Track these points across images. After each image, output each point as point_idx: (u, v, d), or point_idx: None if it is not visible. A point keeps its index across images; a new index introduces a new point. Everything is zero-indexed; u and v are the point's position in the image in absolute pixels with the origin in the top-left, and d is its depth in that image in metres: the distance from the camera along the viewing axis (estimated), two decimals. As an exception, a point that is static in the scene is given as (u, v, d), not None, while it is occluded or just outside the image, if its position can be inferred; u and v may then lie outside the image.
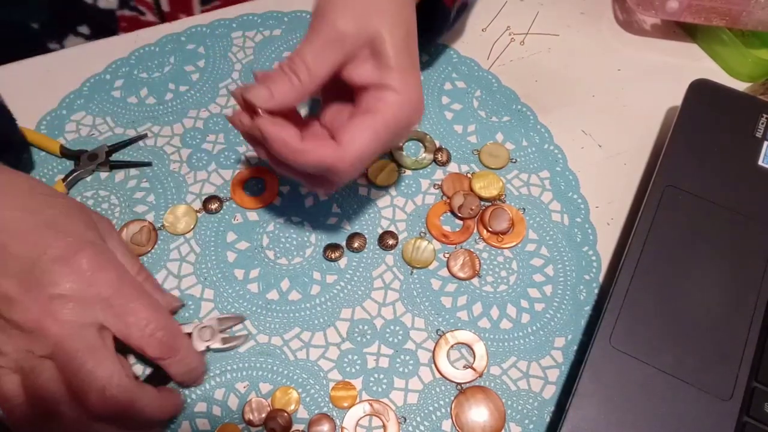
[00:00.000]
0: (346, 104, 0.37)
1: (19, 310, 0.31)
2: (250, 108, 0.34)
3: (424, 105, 0.36)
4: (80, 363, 0.31)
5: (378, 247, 0.43)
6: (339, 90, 0.37)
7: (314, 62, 0.34)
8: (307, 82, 0.34)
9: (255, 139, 0.36)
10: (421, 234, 0.44)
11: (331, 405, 0.38)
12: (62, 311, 0.31)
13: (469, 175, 0.46)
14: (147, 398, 0.33)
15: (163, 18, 0.54)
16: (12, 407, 0.31)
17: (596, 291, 0.43)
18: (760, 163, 0.43)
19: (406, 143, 0.48)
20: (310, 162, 0.34)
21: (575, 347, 0.41)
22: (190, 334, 0.39)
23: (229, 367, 0.39)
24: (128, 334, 0.33)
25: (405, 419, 0.38)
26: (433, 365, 0.40)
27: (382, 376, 0.39)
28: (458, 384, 0.39)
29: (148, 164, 0.45)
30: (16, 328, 0.31)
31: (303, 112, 0.48)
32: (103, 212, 0.43)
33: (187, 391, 0.38)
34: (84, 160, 0.44)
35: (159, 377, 0.37)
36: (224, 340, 0.39)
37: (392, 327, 0.41)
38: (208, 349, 0.39)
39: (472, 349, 0.40)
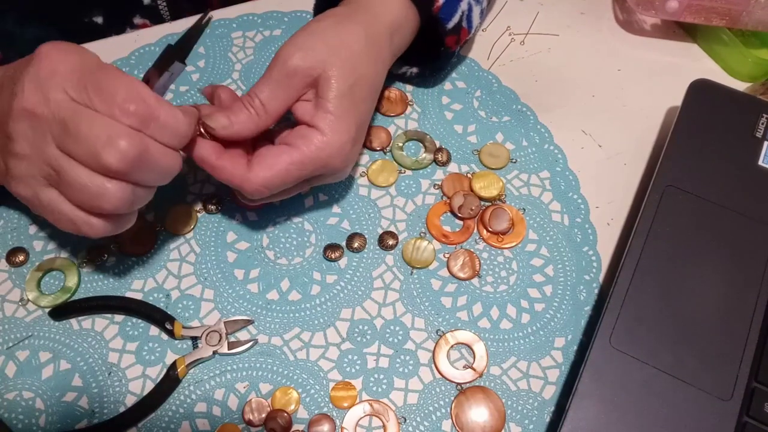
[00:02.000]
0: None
1: (12, 114, 0.31)
2: (205, 128, 0.37)
3: (348, 153, 0.38)
4: (77, 129, 0.30)
5: (378, 247, 0.43)
6: None
7: (268, 99, 0.37)
8: (262, 115, 0.37)
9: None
10: (421, 234, 0.44)
11: (331, 405, 0.38)
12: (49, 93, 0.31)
13: (469, 175, 0.46)
14: (164, 109, 0.32)
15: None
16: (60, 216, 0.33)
17: (596, 291, 0.43)
18: (760, 163, 0.43)
19: (406, 143, 0.48)
20: (221, 178, 0.37)
21: (575, 347, 0.41)
22: (197, 338, 0.39)
23: (229, 367, 0.39)
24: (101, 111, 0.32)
25: (405, 419, 0.38)
26: (433, 365, 0.40)
27: (382, 376, 0.39)
28: (458, 384, 0.39)
29: None
30: (25, 118, 0.31)
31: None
32: (103, 212, 0.43)
33: (187, 392, 0.38)
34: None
35: None
36: (231, 345, 0.39)
37: (392, 327, 0.41)
38: (215, 353, 0.39)
39: (472, 350, 0.40)
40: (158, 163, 0.32)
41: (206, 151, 0.37)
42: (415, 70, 0.49)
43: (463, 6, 0.44)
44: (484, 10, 0.49)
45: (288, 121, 0.39)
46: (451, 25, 0.44)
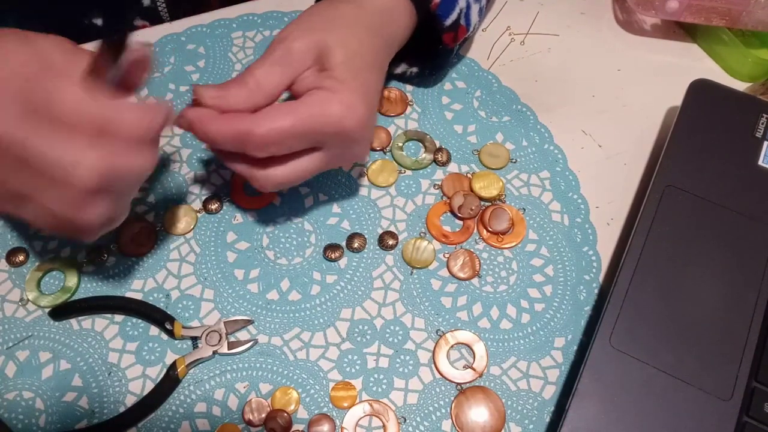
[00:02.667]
0: None
1: None
2: (195, 102, 0.36)
3: (362, 115, 0.36)
4: (36, 160, 0.28)
5: (378, 247, 0.43)
6: None
7: (263, 74, 0.36)
8: (256, 91, 0.35)
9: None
10: (421, 234, 0.44)
11: (331, 405, 0.38)
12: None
13: (469, 175, 0.46)
14: (119, 113, 0.30)
15: None
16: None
17: (596, 291, 0.43)
18: (760, 163, 0.43)
19: (406, 143, 0.48)
20: (227, 132, 0.34)
21: (575, 347, 0.41)
22: (197, 338, 0.39)
23: (229, 367, 0.39)
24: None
25: (405, 419, 0.38)
26: (433, 365, 0.40)
27: (382, 376, 0.39)
28: (458, 384, 0.39)
29: None
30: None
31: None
32: (103, 212, 0.43)
33: (187, 392, 0.38)
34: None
35: None
36: (231, 345, 0.39)
37: (392, 327, 0.41)
38: (215, 353, 0.39)
39: (472, 350, 0.40)
40: (131, 168, 0.30)
41: (198, 113, 0.35)
42: (414, 69, 0.49)
43: (461, 3, 0.44)
44: (483, 9, 0.49)
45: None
46: (448, 22, 0.44)
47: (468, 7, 0.45)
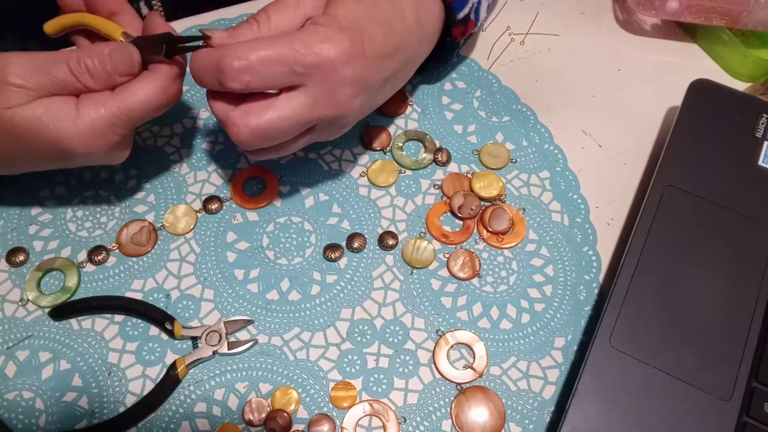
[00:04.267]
0: None
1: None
2: (206, 41, 0.36)
3: (347, 50, 0.34)
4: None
5: (378, 247, 0.43)
6: None
7: (276, 15, 0.35)
8: (264, 27, 0.35)
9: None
10: (421, 234, 0.44)
11: (331, 405, 0.38)
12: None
13: (469, 175, 0.46)
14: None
15: None
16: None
17: (596, 291, 0.43)
18: (760, 163, 0.43)
19: (406, 143, 0.48)
20: (205, 63, 0.34)
21: (575, 347, 0.41)
22: (197, 338, 0.39)
23: (229, 368, 0.39)
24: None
25: (405, 419, 0.38)
26: (433, 365, 0.40)
27: (382, 376, 0.39)
28: (458, 384, 0.39)
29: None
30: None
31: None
32: (103, 212, 0.43)
33: (187, 392, 0.38)
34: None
35: None
36: (231, 345, 0.39)
37: (392, 327, 0.41)
38: (215, 353, 0.39)
39: (472, 349, 0.40)
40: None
41: (197, 52, 0.35)
42: None
43: None
44: (491, 5, 0.49)
45: None
46: (461, 15, 0.44)
47: (479, 2, 0.45)
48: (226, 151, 0.47)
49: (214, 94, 0.36)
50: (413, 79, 0.51)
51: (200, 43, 0.35)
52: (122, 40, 0.36)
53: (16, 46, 0.50)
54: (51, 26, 0.39)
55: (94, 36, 0.39)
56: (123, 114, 0.35)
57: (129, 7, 0.38)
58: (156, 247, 0.43)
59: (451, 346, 0.40)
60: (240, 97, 0.36)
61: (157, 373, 0.38)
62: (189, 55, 0.36)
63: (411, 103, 0.50)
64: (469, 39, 0.52)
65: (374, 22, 0.36)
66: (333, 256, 0.42)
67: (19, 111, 0.33)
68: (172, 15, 0.54)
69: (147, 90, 0.35)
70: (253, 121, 0.34)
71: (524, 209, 0.45)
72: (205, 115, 0.48)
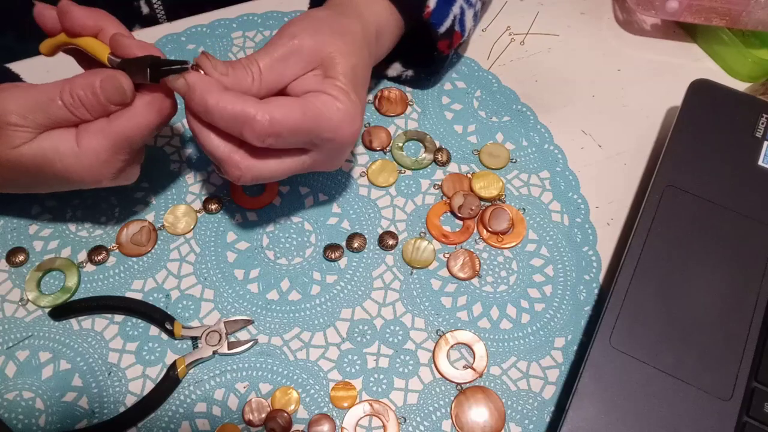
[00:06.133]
0: None
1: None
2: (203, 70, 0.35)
3: (358, 126, 0.36)
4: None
5: (378, 247, 0.43)
6: None
7: (266, 68, 0.35)
8: (257, 81, 0.35)
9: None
10: (421, 234, 0.44)
11: (331, 405, 0.38)
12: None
13: (469, 175, 0.46)
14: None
15: None
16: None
17: (596, 291, 0.43)
18: (760, 163, 0.43)
19: (406, 143, 0.48)
20: (230, 110, 0.33)
21: (575, 347, 0.41)
22: (197, 338, 0.39)
23: (229, 368, 0.39)
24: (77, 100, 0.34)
25: (405, 419, 0.38)
26: (433, 365, 0.40)
27: (382, 376, 0.39)
28: (458, 384, 0.39)
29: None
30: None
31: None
32: (103, 212, 0.43)
33: (187, 392, 0.38)
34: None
35: None
36: (231, 345, 0.39)
37: (392, 327, 0.41)
38: (215, 353, 0.39)
39: (472, 349, 0.40)
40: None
41: (204, 80, 0.34)
42: (410, 73, 0.49)
43: (455, 10, 0.44)
44: (478, 13, 0.49)
45: None
46: (443, 29, 0.44)
47: (462, 13, 0.45)
48: (226, 151, 0.47)
49: (214, 131, 0.35)
50: (408, 83, 0.51)
51: (187, 66, 0.34)
52: (108, 63, 0.35)
53: (17, 41, 0.50)
54: (45, 47, 0.39)
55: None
56: (122, 140, 0.35)
57: (110, 21, 0.37)
58: (156, 247, 0.43)
59: (451, 346, 0.40)
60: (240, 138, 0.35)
61: (157, 373, 0.38)
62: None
63: (411, 103, 0.50)
64: (462, 45, 0.52)
65: (364, 85, 0.38)
66: (333, 256, 0.42)
67: (24, 150, 0.34)
68: (172, 14, 0.54)
69: (142, 115, 0.35)
70: (256, 167, 0.35)
71: (524, 209, 0.45)
72: (205, 115, 0.48)
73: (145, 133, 0.35)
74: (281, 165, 0.36)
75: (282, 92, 0.36)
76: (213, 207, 0.44)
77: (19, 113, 0.33)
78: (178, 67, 0.34)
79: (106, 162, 0.35)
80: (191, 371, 0.39)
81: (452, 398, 0.38)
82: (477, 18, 0.49)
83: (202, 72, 0.34)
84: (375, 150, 0.47)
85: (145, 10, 0.53)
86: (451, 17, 0.44)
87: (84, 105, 0.34)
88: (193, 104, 0.34)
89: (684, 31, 0.56)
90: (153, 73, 0.34)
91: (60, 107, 0.34)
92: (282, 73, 0.36)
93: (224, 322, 0.39)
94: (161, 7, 0.54)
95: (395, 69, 0.49)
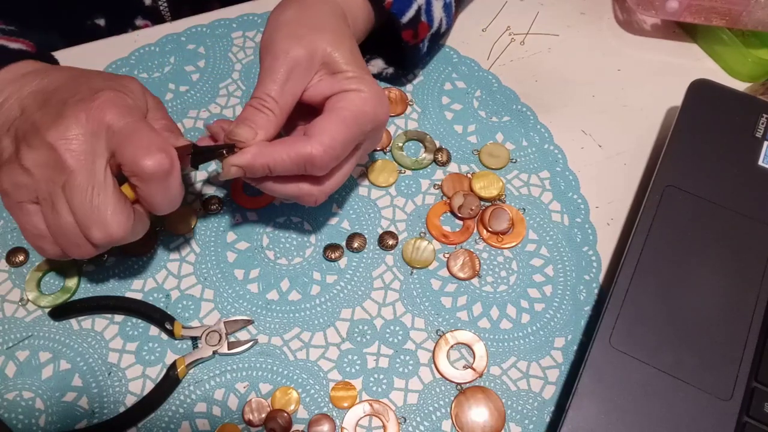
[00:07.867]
0: (303, 127, 0.39)
1: (39, 137, 0.33)
2: (236, 145, 0.36)
3: (387, 99, 0.38)
4: (88, 198, 0.33)
5: (378, 247, 0.43)
6: (292, 120, 0.39)
7: (279, 94, 0.36)
8: (278, 112, 0.36)
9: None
10: (421, 234, 0.44)
11: (331, 405, 0.38)
12: (74, 141, 0.33)
13: (469, 175, 0.46)
14: (140, 225, 0.35)
15: None
16: (42, 243, 0.35)
17: (596, 291, 0.43)
18: (760, 163, 0.43)
19: (406, 143, 0.48)
20: (288, 161, 0.35)
21: (575, 347, 0.41)
22: (197, 338, 0.39)
23: (229, 367, 0.39)
24: (126, 155, 0.34)
25: (405, 419, 0.38)
26: (433, 365, 0.40)
27: (382, 376, 0.39)
28: (458, 384, 0.39)
29: None
30: (39, 148, 0.33)
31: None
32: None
33: (187, 392, 0.38)
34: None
35: None
36: (231, 345, 0.39)
37: (392, 327, 0.41)
38: (215, 353, 0.39)
39: (472, 350, 0.40)
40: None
41: (250, 154, 0.35)
42: (390, 70, 0.49)
43: (419, 0, 0.44)
44: (451, 4, 0.48)
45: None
46: (405, 19, 0.44)
47: (428, 3, 0.45)
48: (226, 151, 0.47)
49: (279, 179, 0.37)
50: (413, 79, 0.51)
51: (223, 151, 0.35)
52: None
53: (20, 29, 0.50)
54: None
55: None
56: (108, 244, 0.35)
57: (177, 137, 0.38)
58: (156, 247, 0.43)
59: (451, 346, 0.40)
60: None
61: (157, 373, 0.38)
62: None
63: (411, 103, 0.50)
64: (442, 39, 0.52)
65: (356, 46, 0.39)
66: (333, 256, 0.42)
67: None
68: (175, 12, 0.54)
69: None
70: (327, 186, 0.38)
71: (524, 209, 0.45)
72: (205, 115, 0.48)
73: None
74: (344, 172, 0.39)
75: (300, 104, 0.37)
76: (213, 207, 0.44)
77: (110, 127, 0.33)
78: (219, 151, 0.36)
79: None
80: (191, 371, 0.39)
81: (452, 398, 0.38)
82: (449, 9, 0.48)
83: (237, 147, 0.35)
84: (375, 150, 0.47)
85: (147, 1, 0.53)
86: (414, 7, 0.44)
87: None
88: (257, 176, 0.36)
89: (684, 31, 0.56)
90: (195, 158, 0.36)
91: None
92: (293, 92, 0.36)
93: (224, 322, 0.39)
94: (165, 5, 0.54)
95: (376, 66, 0.49)
